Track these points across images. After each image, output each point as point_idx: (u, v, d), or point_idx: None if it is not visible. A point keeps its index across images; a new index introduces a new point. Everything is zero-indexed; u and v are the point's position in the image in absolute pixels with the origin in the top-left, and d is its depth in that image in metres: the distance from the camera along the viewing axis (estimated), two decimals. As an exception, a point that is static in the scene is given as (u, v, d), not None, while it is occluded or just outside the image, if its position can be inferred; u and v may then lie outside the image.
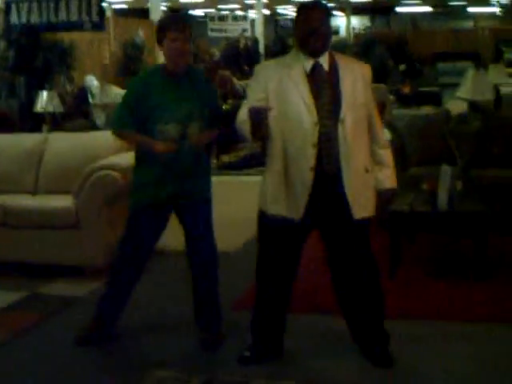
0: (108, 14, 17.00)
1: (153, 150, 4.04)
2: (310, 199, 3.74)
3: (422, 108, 12.59)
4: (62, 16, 8.10)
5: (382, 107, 8.72)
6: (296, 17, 3.83)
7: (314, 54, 3.73)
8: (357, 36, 22.95)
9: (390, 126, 7.65)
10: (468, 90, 8.03)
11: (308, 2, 3.89)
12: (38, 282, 5.47)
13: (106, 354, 4.27)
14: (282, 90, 3.72)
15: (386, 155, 3.95)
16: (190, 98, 4.09)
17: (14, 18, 8.26)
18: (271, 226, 3.87)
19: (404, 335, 4.34)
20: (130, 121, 4.13)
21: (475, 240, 5.28)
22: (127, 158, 5.07)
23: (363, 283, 3.97)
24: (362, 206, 3.81)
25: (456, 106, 8.66)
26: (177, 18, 4.27)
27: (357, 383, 3.87)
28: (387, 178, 3.93)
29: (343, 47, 20.61)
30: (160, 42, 4.09)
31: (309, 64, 3.74)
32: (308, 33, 3.69)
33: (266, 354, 4.06)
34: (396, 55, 20.50)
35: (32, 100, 8.37)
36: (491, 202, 5.60)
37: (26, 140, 6.50)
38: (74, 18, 8.06)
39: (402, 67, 20.16)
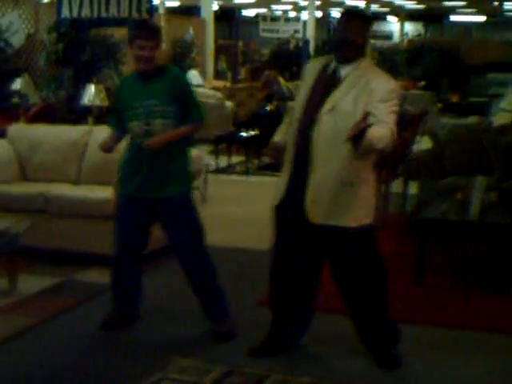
0: (160, 11, 17.19)
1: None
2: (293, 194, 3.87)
3: (468, 118, 12.43)
4: (113, 12, 8.28)
5: (420, 116, 8.70)
6: (337, 22, 3.99)
7: (339, 60, 3.86)
8: (410, 42, 22.93)
9: (431, 134, 7.66)
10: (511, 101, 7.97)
11: (350, 10, 4.00)
12: (73, 269, 5.65)
13: (131, 339, 4.43)
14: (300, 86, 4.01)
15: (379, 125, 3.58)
16: (154, 96, 4.27)
17: (65, 12, 8.45)
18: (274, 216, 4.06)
19: (425, 341, 4.40)
20: (113, 121, 4.60)
21: (503, 252, 5.30)
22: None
23: (361, 288, 3.99)
24: (332, 214, 3.79)
25: (503, 117, 8.60)
26: (146, 26, 4.46)
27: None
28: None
29: (395, 53, 20.54)
30: (130, 44, 4.34)
31: (332, 67, 3.89)
32: (338, 41, 3.85)
33: (277, 349, 4.15)
34: (447, 63, 20.30)
35: (78, 93, 8.56)
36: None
37: (72, 132, 6.68)
38: (125, 14, 8.24)
39: (453, 76, 19.94)
